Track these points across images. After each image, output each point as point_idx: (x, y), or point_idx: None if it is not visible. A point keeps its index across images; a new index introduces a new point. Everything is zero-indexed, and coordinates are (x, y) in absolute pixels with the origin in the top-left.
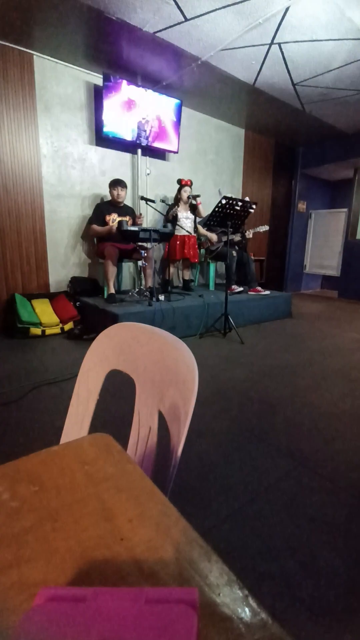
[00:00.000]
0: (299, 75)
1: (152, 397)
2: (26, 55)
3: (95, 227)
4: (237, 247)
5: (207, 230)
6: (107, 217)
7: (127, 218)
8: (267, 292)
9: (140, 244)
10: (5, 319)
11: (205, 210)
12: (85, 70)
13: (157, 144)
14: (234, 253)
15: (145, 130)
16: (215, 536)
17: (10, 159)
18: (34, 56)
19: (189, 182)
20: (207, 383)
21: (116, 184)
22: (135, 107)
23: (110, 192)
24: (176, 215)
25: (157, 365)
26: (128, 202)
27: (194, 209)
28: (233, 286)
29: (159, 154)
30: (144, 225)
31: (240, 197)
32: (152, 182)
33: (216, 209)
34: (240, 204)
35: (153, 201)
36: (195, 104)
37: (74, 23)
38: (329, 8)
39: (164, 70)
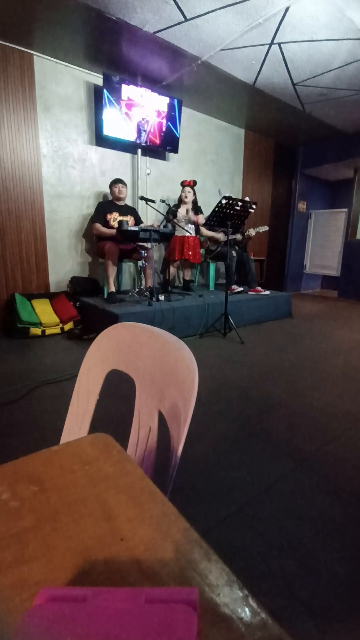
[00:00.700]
0: (299, 75)
1: (152, 397)
2: (26, 55)
3: (99, 226)
4: (237, 247)
5: (209, 230)
6: (109, 216)
7: (127, 218)
8: (267, 292)
9: (140, 244)
10: (5, 319)
11: (206, 210)
12: (85, 70)
13: (157, 144)
14: (234, 253)
15: (145, 130)
16: (215, 536)
17: (10, 159)
18: (34, 56)
19: (191, 183)
20: (207, 383)
21: (116, 182)
22: (135, 107)
23: (112, 190)
24: (176, 214)
25: (157, 365)
26: (128, 202)
27: (196, 209)
28: (233, 286)
29: (159, 154)
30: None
31: (240, 197)
32: (152, 182)
33: (216, 209)
34: (240, 204)
35: (153, 201)
36: (195, 104)
37: (74, 23)
38: (329, 8)
39: (164, 70)
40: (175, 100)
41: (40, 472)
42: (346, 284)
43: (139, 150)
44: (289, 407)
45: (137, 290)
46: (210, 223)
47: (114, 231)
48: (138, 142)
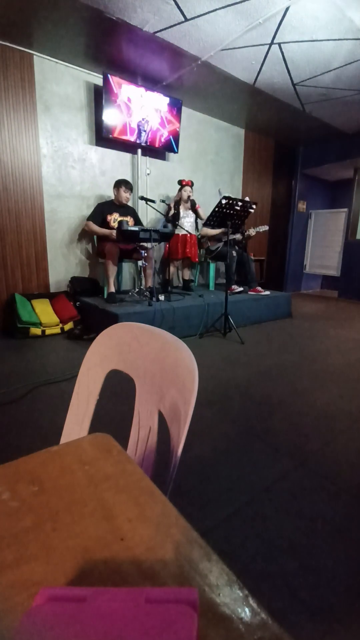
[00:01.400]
0: (299, 75)
1: (152, 397)
2: (26, 55)
3: (90, 223)
4: (237, 247)
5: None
6: (109, 217)
7: (127, 218)
8: (267, 293)
9: (140, 244)
10: (5, 319)
11: (205, 210)
12: (85, 70)
13: (157, 144)
14: (234, 253)
15: (145, 130)
16: (215, 536)
17: (10, 158)
18: (34, 56)
19: (189, 183)
20: (207, 383)
21: (122, 184)
22: (135, 107)
23: (118, 191)
24: (178, 214)
25: (157, 365)
26: (129, 201)
27: (194, 208)
28: (233, 286)
29: (159, 154)
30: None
31: (240, 197)
32: (152, 182)
33: (216, 209)
34: (240, 204)
35: (153, 201)
36: (195, 104)
37: (74, 23)
38: (329, 8)
39: (164, 70)
40: (176, 100)
41: (40, 472)
42: (346, 284)
43: (139, 150)
44: (289, 407)
45: (137, 290)
46: (210, 223)
47: (106, 230)
48: (138, 142)
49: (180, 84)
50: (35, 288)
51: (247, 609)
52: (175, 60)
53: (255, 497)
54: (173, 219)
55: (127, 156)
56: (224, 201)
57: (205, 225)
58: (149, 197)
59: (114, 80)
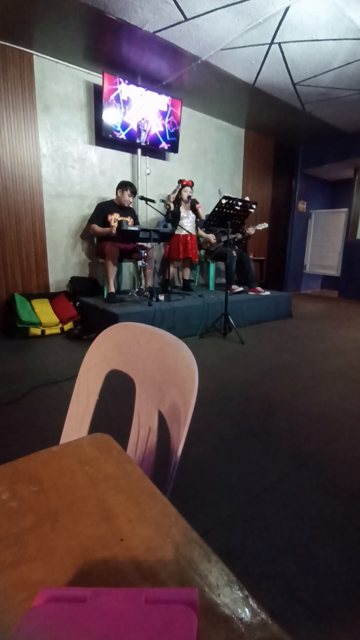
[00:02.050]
0: (299, 75)
1: (152, 397)
2: (26, 55)
3: (95, 226)
4: (237, 247)
5: (205, 231)
6: (109, 217)
7: (127, 218)
8: (267, 293)
9: (140, 243)
10: (5, 319)
11: (205, 210)
12: (85, 70)
13: (156, 144)
14: (234, 253)
15: (145, 130)
16: (215, 536)
17: (10, 158)
18: (34, 56)
19: (190, 183)
20: (207, 383)
21: (129, 187)
22: (135, 107)
23: (122, 193)
24: (178, 214)
25: (157, 365)
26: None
27: (194, 208)
28: (233, 286)
29: (159, 154)
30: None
31: (240, 197)
32: (152, 182)
33: (216, 209)
34: (240, 203)
35: (153, 201)
36: (195, 103)
37: (74, 23)
38: (329, 8)
39: (164, 69)
40: (175, 100)
41: (40, 472)
42: (346, 283)
43: (139, 150)
44: (289, 407)
45: (137, 290)
46: (210, 223)
47: (110, 229)
48: (138, 141)
49: (180, 83)
50: (35, 288)
51: (247, 610)
52: (175, 59)
53: (255, 497)
54: (173, 218)
55: (126, 156)
56: (224, 201)
57: (205, 225)
58: (149, 197)
59: (113, 79)
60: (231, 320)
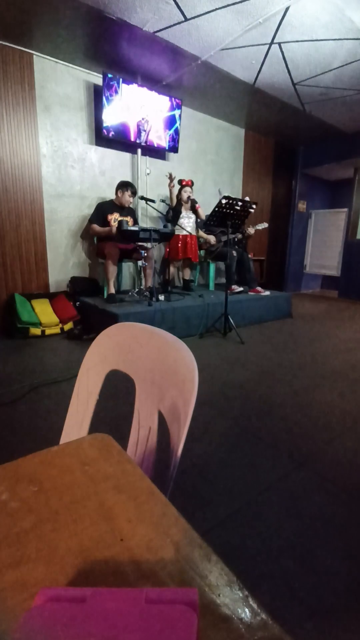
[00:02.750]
0: (299, 75)
1: (152, 397)
2: (26, 55)
3: (95, 226)
4: (237, 247)
5: (205, 232)
6: (109, 217)
7: (127, 218)
8: (267, 293)
9: (140, 244)
10: (5, 319)
11: (205, 210)
12: (85, 70)
13: (156, 144)
14: (234, 253)
15: (145, 130)
16: (215, 536)
17: (10, 158)
18: (34, 56)
19: (189, 183)
20: (207, 383)
21: (129, 187)
22: (134, 107)
23: (122, 193)
24: (178, 214)
25: (157, 365)
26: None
27: (194, 208)
28: (233, 286)
29: (159, 154)
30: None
31: (240, 197)
32: (152, 182)
33: (216, 209)
34: (240, 203)
35: (153, 201)
36: (195, 103)
37: (74, 23)
38: (328, 8)
39: (164, 69)
40: (175, 100)
41: (40, 472)
42: (346, 284)
43: (139, 150)
44: (289, 407)
45: (137, 290)
46: (210, 223)
47: (109, 228)
48: (138, 141)
49: (180, 83)
50: (35, 288)
51: (247, 610)
52: (175, 59)
53: (255, 497)
54: (173, 218)
55: (126, 156)
56: (224, 201)
57: (205, 225)
58: (149, 197)
59: (113, 79)
60: (231, 321)
